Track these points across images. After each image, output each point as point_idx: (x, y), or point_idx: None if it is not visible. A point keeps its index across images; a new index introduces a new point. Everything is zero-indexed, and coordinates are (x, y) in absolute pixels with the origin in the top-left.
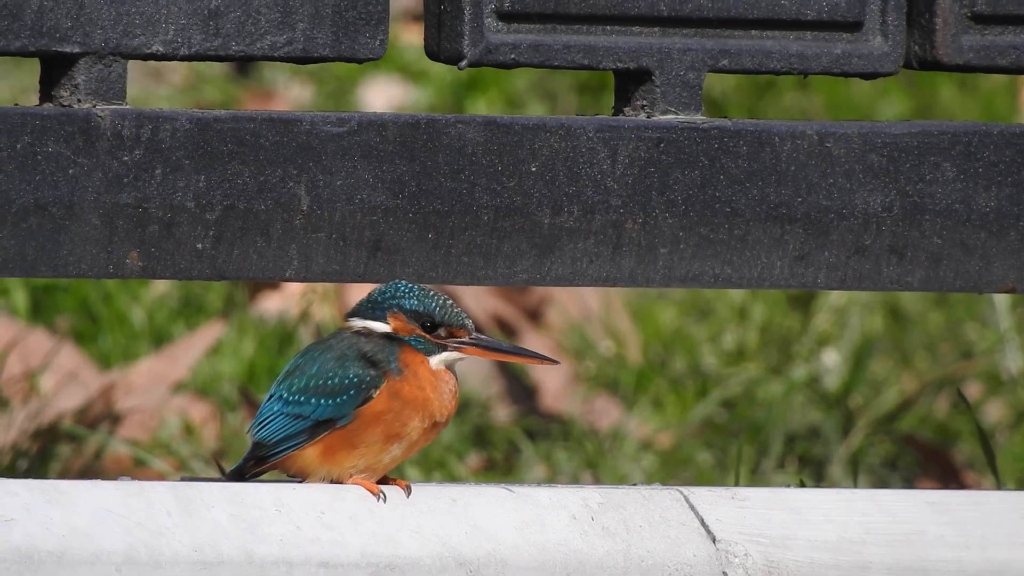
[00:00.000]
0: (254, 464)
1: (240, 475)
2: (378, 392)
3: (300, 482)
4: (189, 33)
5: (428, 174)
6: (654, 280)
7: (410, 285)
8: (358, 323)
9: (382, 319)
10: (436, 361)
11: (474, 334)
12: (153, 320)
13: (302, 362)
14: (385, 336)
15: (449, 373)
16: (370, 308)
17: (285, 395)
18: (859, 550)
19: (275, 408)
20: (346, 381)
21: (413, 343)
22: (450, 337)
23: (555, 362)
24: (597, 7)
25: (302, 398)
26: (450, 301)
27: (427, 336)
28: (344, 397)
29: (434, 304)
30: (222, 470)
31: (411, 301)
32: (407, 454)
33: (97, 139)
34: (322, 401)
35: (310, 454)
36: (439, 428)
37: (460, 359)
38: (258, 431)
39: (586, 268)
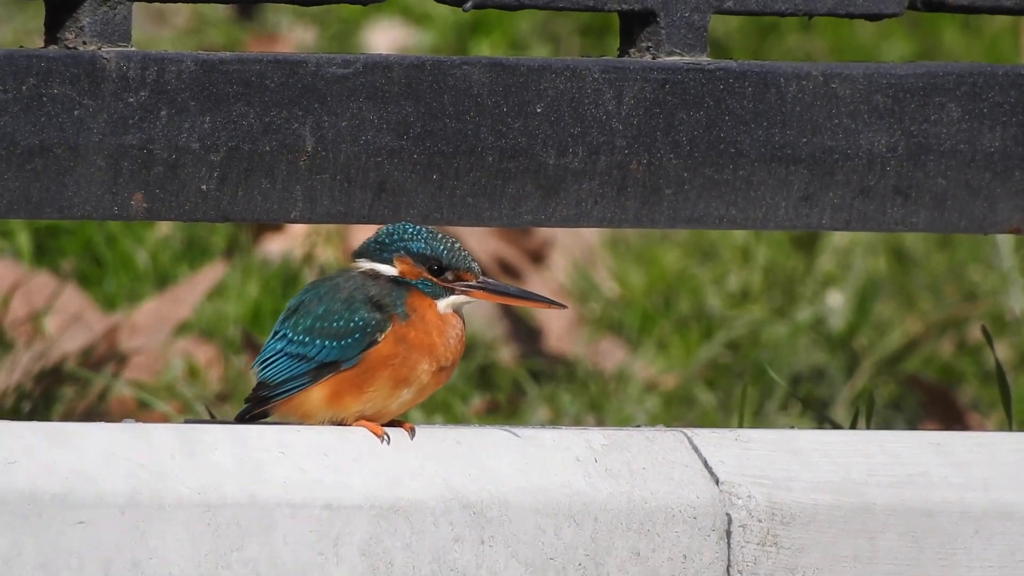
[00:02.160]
0: (257, 404)
1: (245, 415)
2: (384, 336)
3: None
4: None
5: (433, 115)
6: (659, 221)
7: (417, 227)
8: (365, 264)
9: (389, 262)
10: (444, 305)
11: (481, 277)
12: (157, 262)
13: (307, 300)
14: (392, 279)
15: (456, 317)
16: (377, 249)
17: (289, 335)
18: (862, 491)
19: (278, 347)
20: (351, 324)
21: (420, 286)
22: (457, 280)
23: (563, 306)
24: None
25: (307, 339)
26: (458, 244)
27: (434, 279)
28: (349, 340)
29: (441, 247)
30: (213, 417)
31: (418, 244)
32: (417, 399)
33: (102, 81)
34: (327, 343)
35: (315, 397)
36: (447, 372)
37: (467, 302)
38: (261, 371)
39: (591, 209)
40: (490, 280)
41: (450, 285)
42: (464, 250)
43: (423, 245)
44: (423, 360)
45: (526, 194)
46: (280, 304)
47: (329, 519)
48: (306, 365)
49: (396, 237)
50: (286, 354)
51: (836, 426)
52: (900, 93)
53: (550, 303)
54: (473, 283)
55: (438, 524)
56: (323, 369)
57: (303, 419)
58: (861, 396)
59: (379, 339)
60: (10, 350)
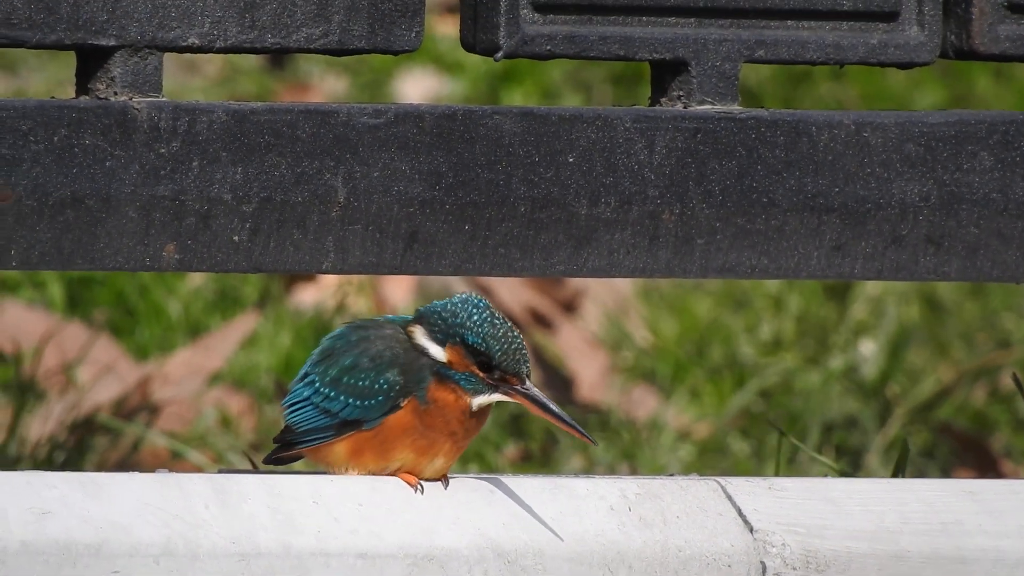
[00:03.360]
0: (285, 448)
1: (272, 455)
2: (406, 402)
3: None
4: (225, 26)
5: (465, 165)
6: (691, 271)
7: (484, 314)
8: (418, 333)
9: (442, 344)
10: (479, 401)
11: (526, 384)
12: (189, 312)
13: (339, 347)
14: (439, 364)
15: (482, 409)
16: (437, 326)
17: (316, 383)
18: (896, 539)
19: (305, 394)
20: (376, 385)
21: (463, 383)
22: (503, 382)
23: (594, 442)
24: None
25: (331, 392)
26: (515, 344)
27: (480, 374)
28: (372, 401)
29: (496, 346)
30: (254, 465)
31: (475, 337)
32: (450, 462)
33: (134, 131)
34: (350, 400)
35: (339, 452)
36: (471, 436)
37: (503, 400)
38: (289, 415)
39: (623, 259)
40: (532, 390)
41: (495, 383)
42: (519, 350)
43: (479, 340)
44: (442, 438)
45: (558, 244)
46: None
47: (363, 568)
48: (329, 419)
49: (459, 321)
50: (312, 404)
51: (869, 474)
52: (932, 142)
53: (582, 434)
54: (518, 387)
55: (472, 572)
56: (345, 426)
57: (329, 469)
58: (894, 444)
59: (401, 404)
60: (43, 400)
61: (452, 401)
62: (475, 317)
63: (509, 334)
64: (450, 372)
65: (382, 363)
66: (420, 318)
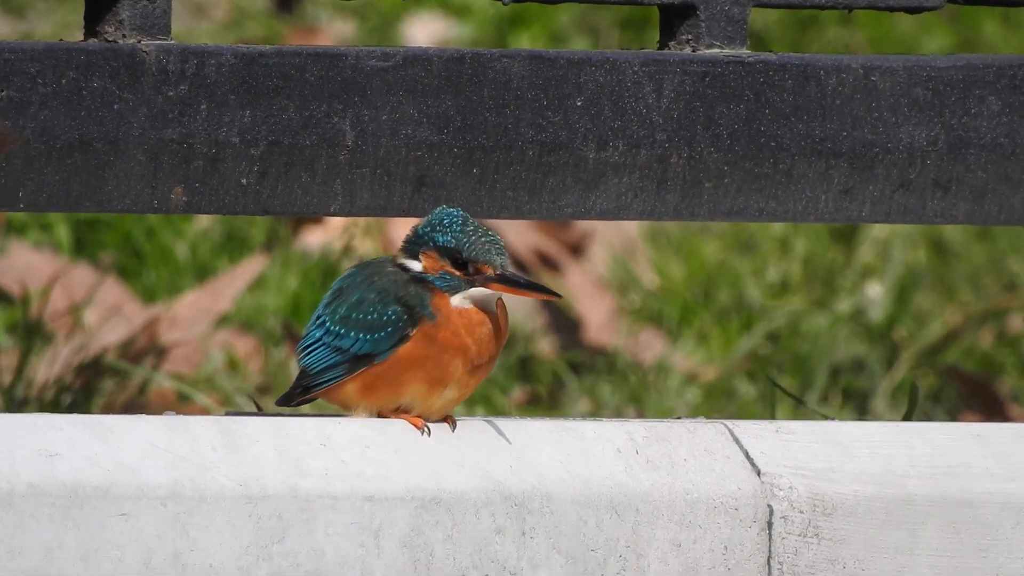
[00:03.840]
0: (301, 392)
1: (288, 401)
2: (414, 333)
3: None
4: None
5: (473, 109)
6: (699, 214)
7: (454, 217)
8: (401, 257)
9: (416, 256)
10: (458, 299)
11: (500, 270)
12: (196, 255)
13: (347, 286)
14: (416, 277)
15: (482, 314)
16: (413, 240)
17: (327, 323)
18: (903, 483)
19: (317, 335)
20: (384, 318)
21: (438, 283)
22: (477, 273)
23: (558, 296)
24: None
25: (342, 329)
26: (484, 237)
27: (455, 272)
28: (382, 334)
29: (465, 239)
30: (259, 407)
31: (444, 236)
32: (460, 397)
33: (142, 74)
34: (360, 335)
35: (352, 390)
36: (486, 368)
37: (487, 295)
38: (302, 357)
39: (631, 202)
40: (507, 272)
41: (470, 278)
42: (490, 242)
43: (448, 238)
44: (455, 360)
45: (566, 187)
46: (319, 296)
47: (370, 511)
48: (341, 356)
49: (429, 229)
50: (324, 344)
51: (877, 417)
52: (940, 86)
53: (548, 293)
54: (491, 275)
55: (479, 516)
56: (358, 362)
57: (343, 409)
58: (901, 387)
59: (410, 334)
60: (50, 342)
61: (451, 307)
62: (445, 221)
63: (479, 230)
64: (426, 277)
65: (387, 296)
66: (404, 242)
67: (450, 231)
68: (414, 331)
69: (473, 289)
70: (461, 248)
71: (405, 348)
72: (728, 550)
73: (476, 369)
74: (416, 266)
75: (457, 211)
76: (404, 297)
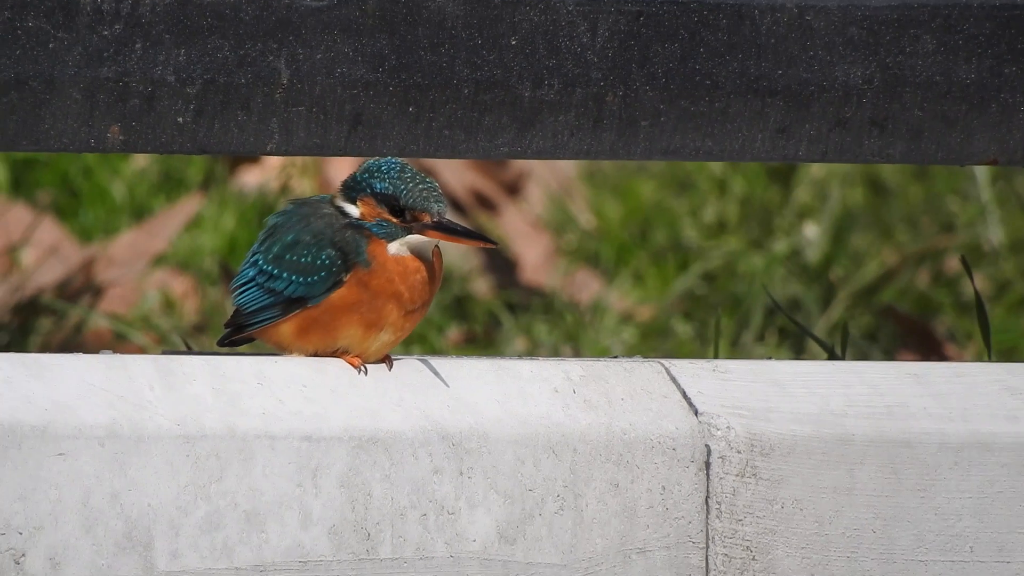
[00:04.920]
0: (236, 331)
1: (225, 340)
2: (347, 278)
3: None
4: None
5: (408, 48)
6: (635, 153)
7: (392, 164)
8: (340, 199)
9: (354, 202)
10: (395, 246)
11: (436, 218)
12: (133, 194)
13: (281, 223)
14: (353, 223)
15: (417, 261)
16: (352, 185)
17: (260, 262)
18: (841, 423)
19: (250, 274)
20: (317, 261)
21: (375, 229)
22: (414, 221)
23: (494, 243)
24: None
25: (275, 270)
26: (422, 185)
27: (392, 219)
28: (315, 278)
29: (403, 186)
30: (188, 347)
31: (382, 183)
32: (396, 340)
33: (77, 14)
34: (293, 278)
35: (286, 331)
36: (420, 313)
37: (423, 242)
38: (236, 296)
39: (567, 141)
40: (444, 220)
41: (407, 225)
42: (428, 190)
43: (387, 184)
44: (389, 306)
45: (502, 126)
46: (255, 236)
47: (308, 451)
48: (274, 299)
49: (367, 175)
50: (257, 284)
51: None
52: (875, 25)
53: (485, 241)
54: (428, 223)
55: (417, 456)
56: (291, 305)
57: (279, 350)
58: (837, 327)
59: (344, 280)
60: None
61: (387, 254)
62: (383, 168)
63: (417, 177)
64: (363, 224)
65: (323, 239)
66: (343, 184)
67: (388, 178)
68: (348, 276)
69: (410, 236)
70: (399, 195)
71: (339, 293)
72: (666, 490)
73: (410, 314)
74: (354, 211)
75: (396, 161)
76: (339, 242)
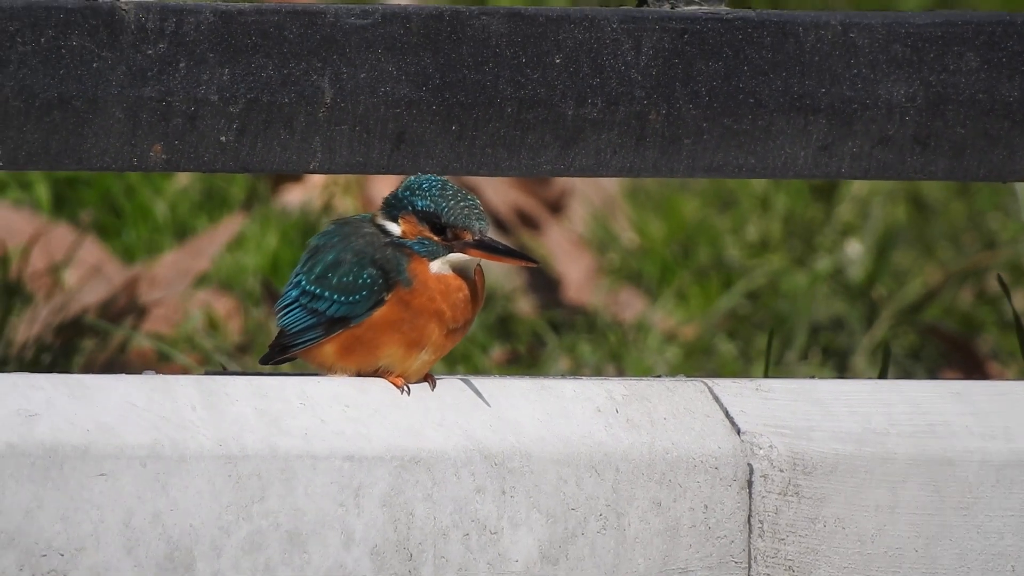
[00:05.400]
0: (279, 351)
1: (267, 360)
2: (389, 297)
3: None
4: None
5: (452, 66)
6: (677, 171)
7: (433, 182)
8: (380, 217)
9: (395, 220)
10: (437, 265)
11: (479, 236)
12: (176, 213)
13: (323, 244)
14: (397, 240)
15: (459, 279)
16: (393, 203)
17: (303, 282)
18: (883, 441)
19: (293, 295)
20: (359, 281)
21: (417, 247)
22: (455, 239)
23: (535, 262)
24: None
25: (318, 290)
26: (464, 202)
27: (434, 237)
28: (357, 297)
29: (444, 204)
30: (224, 368)
31: (424, 200)
32: (435, 359)
33: (121, 32)
34: (336, 297)
35: (330, 351)
36: (461, 332)
37: (465, 260)
38: (280, 317)
39: (610, 159)
40: (486, 238)
41: (449, 243)
42: (470, 207)
43: (428, 202)
44: (431, 324)
45: (545, 144)
46: (298, 254)
47: (350, 470)
48: (317, 319)
49: (409, 193)
50: (300, 305)
51: (856, 376)
52: (919, 43)
53: (527, 260)
54: (469, 241)
55: (459, 475)
56: (334, 324)
57: (322, 370)
58: (880, 346)
59: (385, 299)
60: (30, 302)
61: (430, 273)
62: (424, 186)
63: (459, 195)
64: (405, 242)
65: (364, 258)
66: (382, 204)
67: (429, 196)
68: (389, 295)
69: (452, 255)
70: (440, 213)
71: (380, 312)
72: (708, 509)
73: (452, 333)
74: (395, 229)
75: (437, 178)
76: (381, 260)
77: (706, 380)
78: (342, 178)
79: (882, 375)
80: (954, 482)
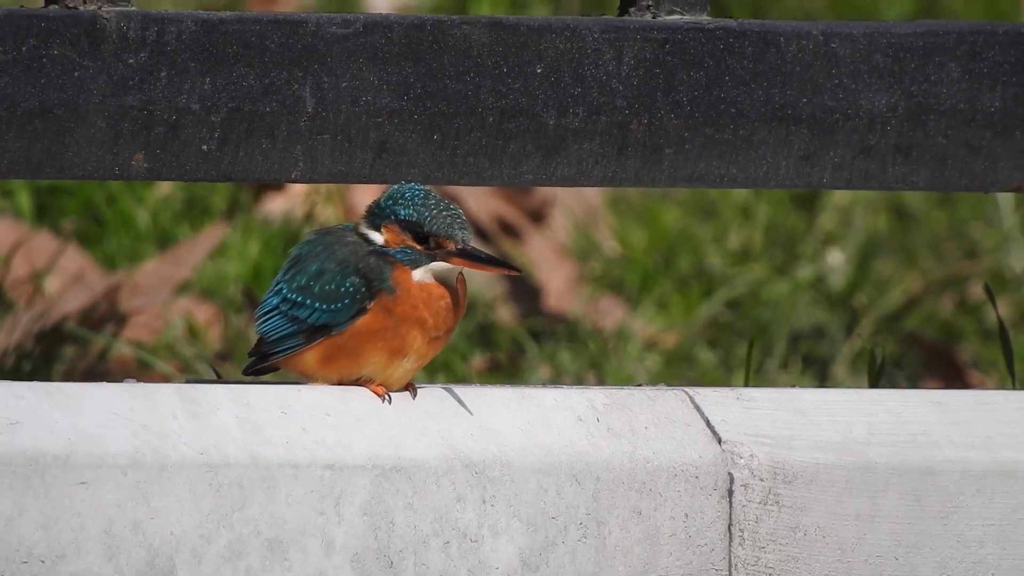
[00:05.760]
0: (259, 360)
1: (247, 368)
2: (371, 305)
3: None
4: None
5: (433, 76)
6: (659, 180)
7: (416, 191)
8: (363, 226)
9: (378, 229)
10: (419, 273)
11: (461, 245)
12: (157, 222)
13: (305, 253)
14: (377, 250)
15: (442, 288)
16: (376, 212)
17: (284, 290)
18: (864, 451)
19: (274, 303)
20: (341, 289)
21: (399, 256)
22: (438, 248)
23: (518, 271)
24: None
25: (299, 298)
26: (446, 211)
27: (416, 246)
28: (339, 305)
29: (427, 213)
30: (218, 375)
31: (407, 210)
32: (417, 367)
33: (102, 41)
34: (317, 305)
35: (310, 359)
36: (443, 340)
37: (448, 269)
38: (260, 324)
39: (591, 168)
40: (468, 247)
41: (432, 252)
42: (452, 217)
43: (411, 211)
44: (413, 332)
45: (527, 154)
46: (280, 263)
47: (331, 479)
48: (298, 327)
49: (391, 202)
50: (280, 312)
51: (837, 384)
52: (900, 52)
53: (509, 268)
54: (452, 250)
55: (440, 484)
56: (315, 333)
57: (303, 378)
58: (861, 354)
59: (368, 307)
60: (10, 310)
61: (410, 276)
62: (407, 195)
63: (441, 204)
64: (387, 251)
65: (347, 267)
66: (365, 213)
67: (412, 205)
68: (372, 304)
69: (434, 263)
70: (423, 222)
71: (363, 320)
72: (689, 518)
73: (434, 341)
74: (378, 238)
75: (420, 187)
76: (364, 269)
77: (687, 389)
78: (324, 187)
79: (875, 383)
80: (935, 491)
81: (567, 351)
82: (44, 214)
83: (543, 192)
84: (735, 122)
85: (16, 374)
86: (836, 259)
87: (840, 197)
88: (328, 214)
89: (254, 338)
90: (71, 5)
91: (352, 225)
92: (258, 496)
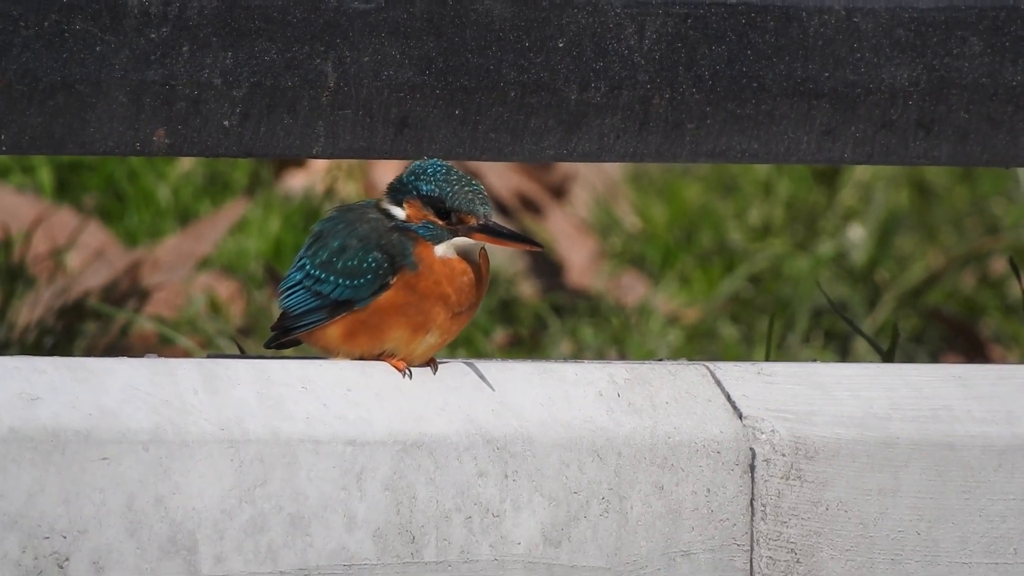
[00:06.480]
0: (282, 333)
1: (270, 342)
2: (394, 280)
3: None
4: None
5: (455, 50)
6: (681, 155)
7: (438, 167)
8: (385, 202)
9: (400, 204)
10: (442, 249)
11: (483, 220)
12: (179, 197)
13: (327, 229)
14: (399, 225)
15: (464, 263)
16: (397, 187)
17: (308, 266)
18: (885, 425)
19: (297, 278)
20: (364, 264)
21: (422, 232)
22: (460, 223)
23: (540, 247)
24: None
25: (322, 274)
26: (468, 187)
27: (438, 222)
28: (362, 280)
29: (448, 189)
30: (241, 350)
31: (428, 185)
32: (442, 342)
33: (124, 16)
34: (340, 281)
35: (333, 334)
36: (467, 316)
37: (470, 244)
38: (283, 299)
39: (613, 144)
40: (490, 223)
41: (454, 227)
42: (474, 192)
43: (432, 187)
44: (436, 308)
45: (548, 129)
46: (301, 239)
47: (352, 455)
48: (321, 301)
49: (413, 178)
50: (303, 287)
51: (858, 359)
52: (922, 27)
53: (531, 244)
54: (474, 225)
55: (461, 459)
56: (338, 307)
57: (326, 353)
58: (882, 329)
59: (391, 283)
60: (32, 286)
61: (435, 257)
62: (429, 171)
63: (463, 179)
64: (410, 227)
65: (369, 243)
66: (387, 189)
67: (434, 180)
68: (394, 279)
69: (456, 239)
70: (445, 198)
71: (386, 296)
72: (711, 492)
73: (457, 316)
74: (400, 214)
75: (441, 163)
76: (386, 245)
77: (708, 364)
78: (345, 163)
79: (889, 355)
80: (956, 466)
81: (589, 326)
82: (65, 190)
83: (564, 167)
84: (757, 97)
85: (38, 349)
86: (857, 234)
87: (861, 172)
88: (349, 190)
89: (276, 313)
90: None
91: (373, 201)
92: (279, 472)
